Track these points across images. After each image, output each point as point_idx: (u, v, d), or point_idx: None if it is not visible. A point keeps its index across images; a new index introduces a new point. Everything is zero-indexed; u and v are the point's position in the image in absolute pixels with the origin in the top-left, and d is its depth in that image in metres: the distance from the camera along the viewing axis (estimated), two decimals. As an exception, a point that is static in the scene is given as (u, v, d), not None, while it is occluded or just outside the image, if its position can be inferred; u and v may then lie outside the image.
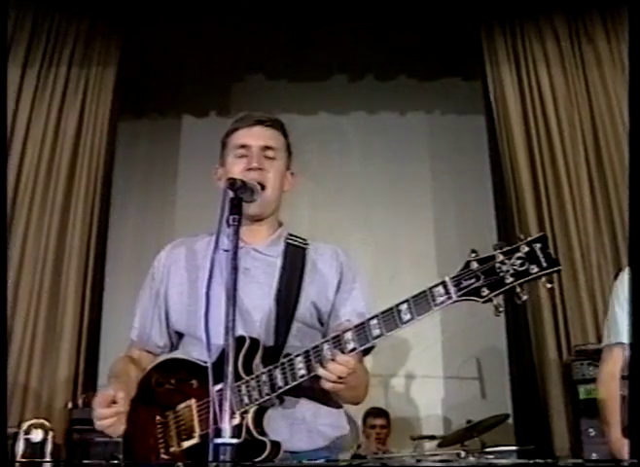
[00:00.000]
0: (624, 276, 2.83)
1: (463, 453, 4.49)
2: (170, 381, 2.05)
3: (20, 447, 3.81)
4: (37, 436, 3.86)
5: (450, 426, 5.36)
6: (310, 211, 5.92)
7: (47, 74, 5.36)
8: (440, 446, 4.88)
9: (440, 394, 5.79)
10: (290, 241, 2.14)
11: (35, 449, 3.88)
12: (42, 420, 3.99)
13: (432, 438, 5.04)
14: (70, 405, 4.41)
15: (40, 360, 4.74)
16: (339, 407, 2.09)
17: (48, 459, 3.77)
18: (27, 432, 3.86)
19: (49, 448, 3.87)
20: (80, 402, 4.41)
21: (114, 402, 1.87)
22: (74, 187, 5.14)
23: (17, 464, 3.60)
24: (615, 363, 2.76)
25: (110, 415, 1.86)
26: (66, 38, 5.44)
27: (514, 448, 4.65)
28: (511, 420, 5.03)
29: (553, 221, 5.02)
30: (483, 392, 5.70)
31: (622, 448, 2.64)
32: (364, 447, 5.18)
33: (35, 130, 5.18)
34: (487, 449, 4.48)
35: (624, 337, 2.70)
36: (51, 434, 3.92)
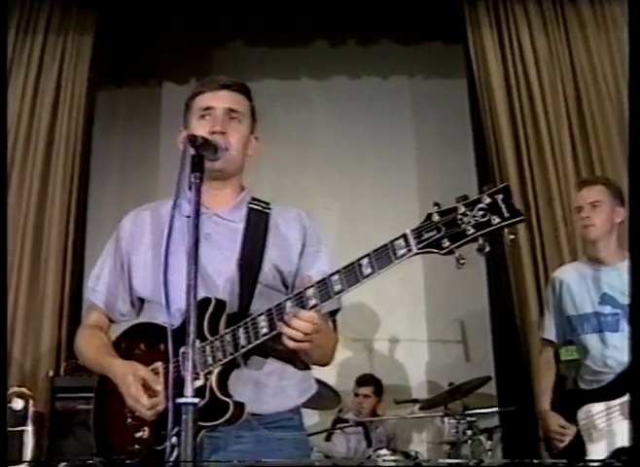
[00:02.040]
0: (555, 281, 3.48)
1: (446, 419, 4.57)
2: (140, 346, 2.05)
3: (1, 415, 3.82)
4: (18, 405, 3.87)
5: (435, 390, 5.37)
6: (299, 177, 5.96)
7: (23, 42, 5.30)
8: (422, 408, 4.91)
9: (424, 358, 5.81)
10: (252, 206, 2.13)
11: (17, 418, 3.88)
12: (22, 389, 3.99)
13: (415, 401, 5.08)
14: (52, 373, 4.40)
15: (23, 329, 4.75)
16: (307, 368, 2.09)
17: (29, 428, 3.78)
18: (9, 401, 3.86)
19: (30, 416, 3.87)
20: (62, 370, 4.40)
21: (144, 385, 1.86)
22: (52, 157, 5.10)
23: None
24: (544, 354, 3.54)
25: (154, 405, 1.85)
26: (42, 5, 5.36)
27: (495, 409, 4.69)
28: (494, 383, 5.06)
29: (535, 184, 5.01)
30: (467, 355, 5.73)
31: (548, 418, 3.29)
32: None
33: (12, 100, 5.11)
34: (469, 411, 4.53)
35: (547, 334, 3.48)
36: (31, 402, 3.92)
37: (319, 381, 4.33)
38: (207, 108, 2.08)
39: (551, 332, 3.47)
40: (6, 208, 4.64)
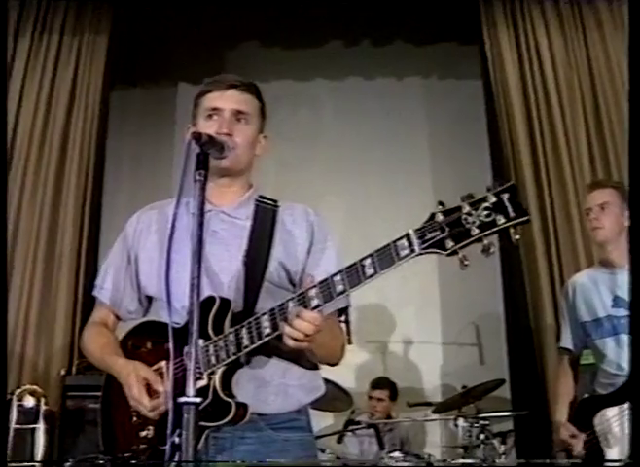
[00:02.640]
0: (568, 288, 3.43)
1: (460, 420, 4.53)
2: (146, 345, 2.04)
3: (14, 413, 3.83)
4: (29, 402, 3.88)
5: (449, 393, 5.33)
6: (307, 175, 5.95)
7: (39, 42, 5.34)
8: (435, 412, 4.87)
9: (438, 360, 5.78)
10: (260, 203, 2.10)
11: (28, 416, 3.89)
12: (34, 387, 4.01)
13: (428, 404, 5.03)
14: (63, 371, 4.40)
15: (36, 328, 4.77)
16: (315, 367, 2.06)
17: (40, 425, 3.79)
18: (20, 398, 3.88)
19: (41, 414, 3.88)
20: (74, 369, 4.40)
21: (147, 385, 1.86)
22: (67, 156, 5.13)
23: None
24: (561, 365, 3.47)
25: (156, 406, 1.84)
26: (57, 6, 5.40)
27: (508, 413, 4.64)
28: (508, 387, 5.02)
29: (552, 185, 4.96)
30: (482, 358, 5.69)
31: (559, 428, 3.24)
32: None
33: (28, 100, 5.16)
34: (482, 415, 4.48)
35: (564, 343, 3.40)
36: (43, 400, 3.93)
37: (331, 382, 4.37)
38: (214, 109, 2.06)
39: (567, 340, 3.41)
40: (6, 208, 4.64)
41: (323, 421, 5.31)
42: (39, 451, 3.89)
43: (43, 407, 3.95)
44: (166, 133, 5.91)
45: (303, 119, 6.13)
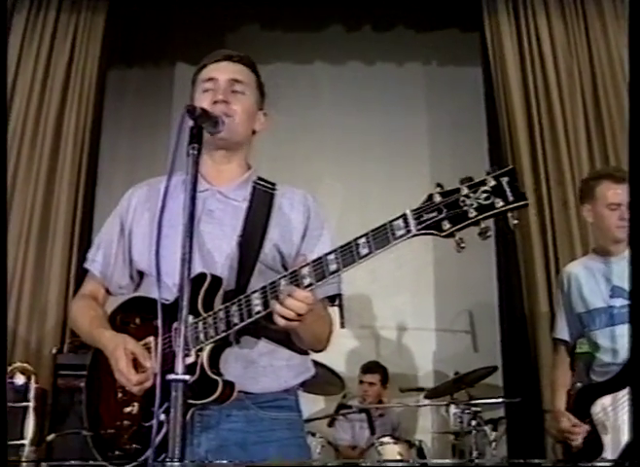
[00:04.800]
0: (563, 278, 3.34)
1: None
2: (135, 321, 2.03)
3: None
4: (19, 380, 3.87)
5: (441, 379, 5.33)
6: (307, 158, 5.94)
7: (35, 19, 5.29)
8: (427, 397, 4.88)
9: (432, 347, 5.78)
10: (257, 185, 2.08)
11: (19, 394, 3.88)
12: (25, 364, 3.99)
13: (420, 390, 5.05)
14: (55, 350, 4.39)
15: (28, 306, 4.75)
16: (305, 353, 2.04)
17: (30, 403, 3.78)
18: (11, 376, 3.86)
19: (32, 392, 3.87)
20: (65, 347, 4.39)
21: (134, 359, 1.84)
22: (62, 136, 5.09)
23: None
24: (557, 355, 3.40)
25: (143, 380, 1.82)
26: (55, -18, 5.34)
27: (500, 400, 4.64)
28: (500, 373, 5.02)
29: (549, 173, 4.95)
30: (475, 345, 5.69)
31: (560, 418, 3.15)
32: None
33: (23, 77, 5.13)
34: (474, 401, 4.49)
35: (560, 333, 3.33)
36: (33, 378, 3.92)
37: (323, 366, 4.37)
38: (210, 79, 2.05)
39: (563, 331, 3.34)
40: (6, 207, 4.62)
41: (315, 405, 5.32)
42: (29, 430, 3.87)
43: (34, 385, 3.93)
44: (163, 114, 5.87)
45: (303, 102, 6.10)
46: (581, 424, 3.11)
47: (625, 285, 3.13)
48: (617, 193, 3.15)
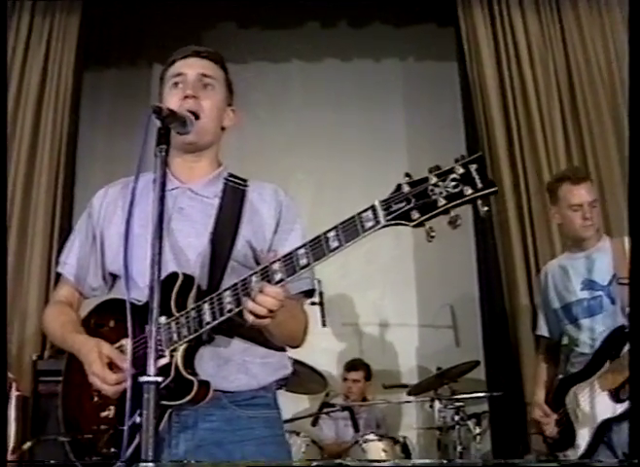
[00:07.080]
0: (541, 277, 3.53)
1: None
2: (109, 323, 2.01)
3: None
4: (1, 388, 3.83)
5: (425, 375, 5.33)
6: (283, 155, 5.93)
7: (9, 23, 5.22)
8: (410, 394, 4.88)
9: (414, 343, 5.78)
10: (228, 182, 2.07)
11: (-1, 401, 3.84)
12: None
13: (404, 386, 5.05)
14: (35, 356, 4.35)
15: (8, 313, 4.66)
16: (281, 349, 2.03)
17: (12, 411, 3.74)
18: (-11, 384, 3.82)
19: (13, 400, 3.83)
20: (46, 353, 4.36)
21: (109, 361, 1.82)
22: (39, 141, 5.03)
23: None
24: (540, 350, 3.59)
25: (119, 381, 1.79)
26: (28, -15, 5.29)
27: (483, 394, 4.66)
28: (483, 368, 5.03)
29: (526, 167, 4.95)
30: (457, 340, 5.69)
31: (537, 407, 3.32)
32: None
33: (-2, 80, 5.07)
34: (457, 396, 4.50)
35: (540, 330, 3.52)
36: (14, 386, 3.88)
37: (305, 365, 4.36)
38: (179, 74, 2.04)
39: (542, 328, 3.51)
40: (6, 207, 4.59)
41: (299, 404, 5.30)
42: (10, 437, 3.83)
43: (15, 393, 3.89)
44: (141, 113, 5.79)
45: (279, 100, 6.09)
46: (550, 413, 3.20)
47: (595, 276, 3.22)
48: (577, 194, 3.24)
